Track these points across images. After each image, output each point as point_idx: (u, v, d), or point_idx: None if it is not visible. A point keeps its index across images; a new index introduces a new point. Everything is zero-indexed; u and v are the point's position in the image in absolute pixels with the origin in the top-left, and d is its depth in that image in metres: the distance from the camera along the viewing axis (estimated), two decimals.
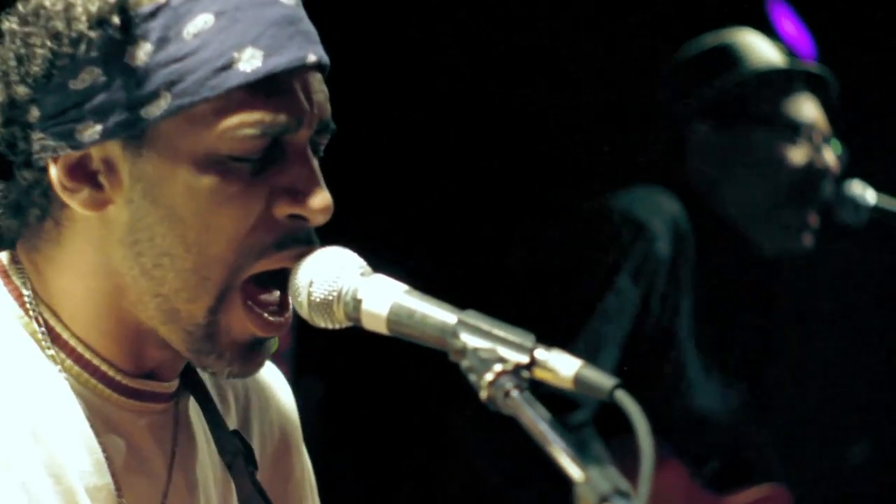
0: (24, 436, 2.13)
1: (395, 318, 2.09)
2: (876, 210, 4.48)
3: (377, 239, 4.92)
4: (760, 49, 4.49)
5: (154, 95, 2.11)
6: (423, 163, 5.21)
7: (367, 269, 2.15)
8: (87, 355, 2.20)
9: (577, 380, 1.96)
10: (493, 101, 5.23)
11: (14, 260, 2.25)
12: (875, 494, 5.79)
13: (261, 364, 2.25)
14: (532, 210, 5.07)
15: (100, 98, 2.12)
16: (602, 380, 1.95)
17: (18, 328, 2.20)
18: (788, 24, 4.79)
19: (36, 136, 2.16)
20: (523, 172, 5.26)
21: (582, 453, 1.84)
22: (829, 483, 5.78)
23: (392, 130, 5.15)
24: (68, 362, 2.20)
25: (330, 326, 2.16)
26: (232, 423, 2.36)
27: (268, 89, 2.13)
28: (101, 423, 2.20)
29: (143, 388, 2.23)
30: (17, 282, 2.23)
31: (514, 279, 4.61)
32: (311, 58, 2.17)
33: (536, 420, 1.90)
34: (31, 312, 2.21)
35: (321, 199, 2.17)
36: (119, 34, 2.11)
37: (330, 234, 2.23)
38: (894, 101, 5.40)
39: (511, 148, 5.25)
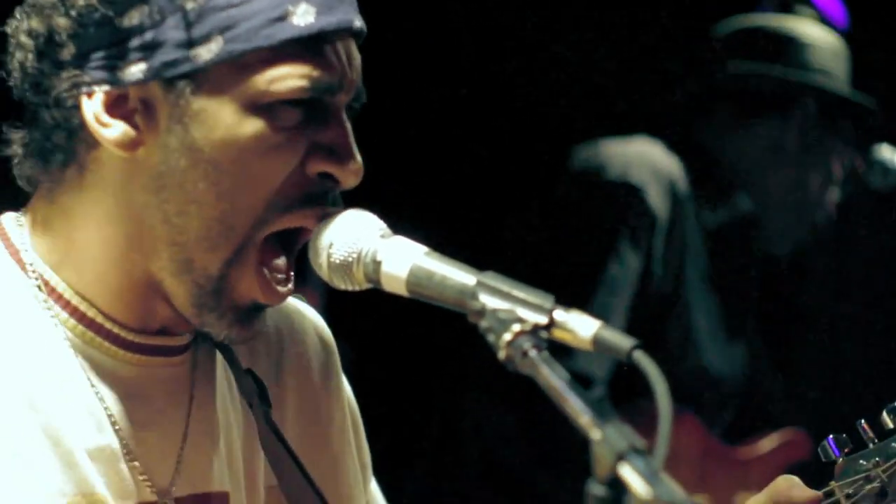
0: (19, 402, 2.13)
1: (415, 279, 2.10)
2: None
3: (383, 206, 4.96)
4: (824, 52, 4.47)
5: (206, 38, 2.11)
6: (421, 133, 5.19)
7: (387, 231, 2.17)
8: (91, 313, 2.20)
9: (596, 340, 1.97)
10: (495, 68, 5.21)
11: (17, 221, 2.24)
12: None
13: (254, 332, 2.24)
14: (535, 180, 5.06)
15: (148, 36, 2.12)
16: (621, 340, 1.96)
17: (17, 290, 2.20)
18: None
19: (67, 73, 2.15)
20: (528, 143, 5.24)
21: (599, 413, 1.84)
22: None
23: (398, 101, 5.14)
24: (71, 321, 2.19)
25: (350, 288, 2.18)
26: (260, 371, 2.35)
27: (317, 47, 2.15)
28: (109, 382, 2.20)
29: (154, 343, 2.23)
30: (17, 243, 2.22)
31: (515, 250, 4.62)
32: (357, 23, 2.20)
33: (554, 379, 1.90)
34: (30, 274, 2.20)
35: (354, 162, 2.19)
36: None
37: (350, 199, 2.24)
38: None
39: (513, 118, 5.24)
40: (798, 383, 5.32)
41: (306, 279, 2.34)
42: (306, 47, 2.15)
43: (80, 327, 2.20)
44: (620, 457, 1.77)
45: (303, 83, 2.14)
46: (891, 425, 2.54)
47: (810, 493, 2.42)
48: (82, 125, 2.16)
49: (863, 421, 2.55)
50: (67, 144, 2.18)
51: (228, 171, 2.13)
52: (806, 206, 4.50)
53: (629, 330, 4.21)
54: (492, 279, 2.05)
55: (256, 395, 2.30)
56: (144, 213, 2.16)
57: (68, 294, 2.20)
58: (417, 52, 5.16)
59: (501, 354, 1.96)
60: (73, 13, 2.13)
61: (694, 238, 4.42)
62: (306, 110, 2.17)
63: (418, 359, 5.13)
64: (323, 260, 2.16)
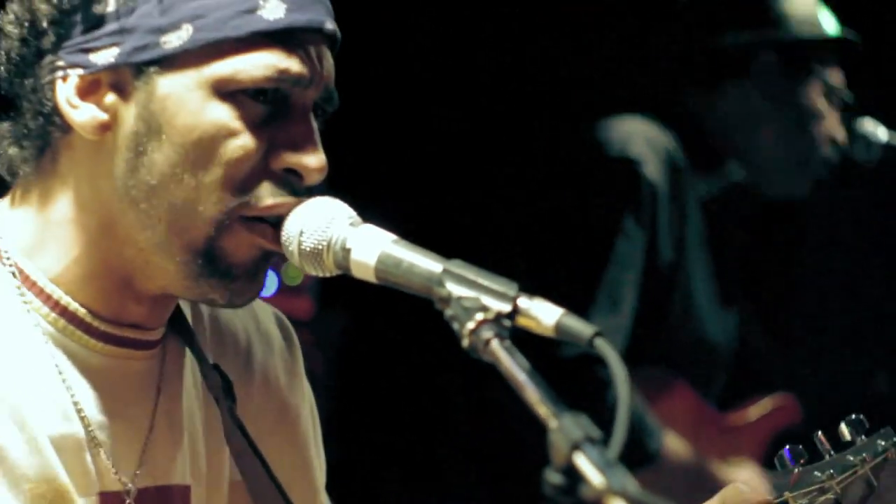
0: None
1: (383, 266, 2.14)
2: (888, 147, 4.49)
3: (378, 188, 4.99)
4: (805, 9, 4.48)
5: (176, 26, 2.16)
6: (420, 110, 5.23)
7: (357, 219, 2.20)
8: (64, 301, 2.23)
9: (559, 327, 2.01)
10: (488, 39, 5.24)
11: None
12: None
13: (257, 291, 2.28)
14: (532, 161, 5.09)
15: (121, 22, 2.17)
16: (582, 328, 1.99)
17: None
18: None
19: (46, 60, 2.20)
20: (524, 118, 5.27)
21: (556, 403, 1.87)
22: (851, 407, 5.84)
23: (388, 77, 5.17)
24: (44, 309, 2.23)
25: (321, 274, 2.22)
26: (227, 369, 2.38)
27: (285, 42, 2.19)
28: (79, 371, 2.24)
29: (125, 335, 2.27)
30: None
31: (521, 233, 4.67)
32: (329, 26, 2.24)
33: (514, 369, 1.93)
34: (5, 261, 2.24)
35: (317, 159, 2.22)
36: None
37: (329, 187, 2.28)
38: None
39: (510, 92, 5.28)
40: (788, 350, 5.38)
41: None
42: (275, 41, 2.19)
43: (53, 315, 2.23)
44: (576, 446, 1.80)
45: (268, 73, 2.18)
46: (847, 438, 2.57)
47: (761, 498, 2.42)
48: (56, 109, 2.20)
49: (820, 433, 2.57)
50: (43, 130, 2.22)
51: (190, 155, 2.17)
52: (798, 164, 4.50)
53: (642, 304, 4.29)
54: (458, 267, 2.08)
55: (222, 389, 2.34)
56: (114, 198, 2.20)
57: (42, 282, 2.23)
58: (402, 38, 5.20)
59: (465, 342, 1.99)
60: (53, 1, 2.19)
61: (692, 208, 4.45)
62: (272, 106, 2.20)
63: (426, 315, 5.19)
64: (294, 247, 2.20)
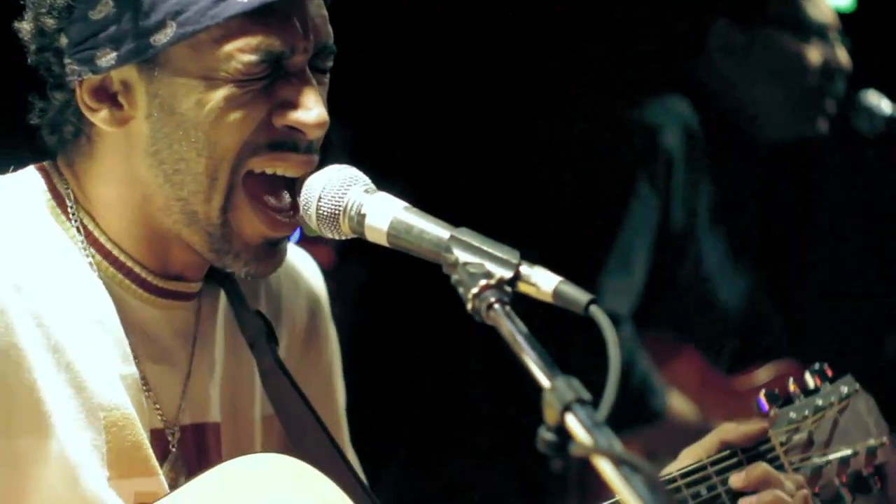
0: (70, 323, 2.37)
1: (395, 232, 2.28)
2: (892, 120, 4.57)
3: (398, 155, 5.08)
4: None
5: (161, 25, 2.33)
6: (442, 79, 5.30)
7: (372, 186, 2.35)
8: (122, 258, 2.45)
9: (556, 294, 2.13)
10: (495, 14, 5.33)
11: (58, 171, 2.48)
12: None
13: (277, 264, 2.48)
14: (553, 122, 5.17)
15: (114, 28, 2.35)
16: (578, 295, 2.11)
17: (62, 234, 2.44)
18: None
19: (66, 60, 2.39)
20: (540, 86, 5.34)
21: (551, 365, 2.00)
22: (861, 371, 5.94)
23: (395, 54, 5.24)
24: (104, 264, 2.45)
25: (336, 237, 2.37)
26: (262, 308, 2.61)
27: (264, 18, 2.34)
28: (132, 319, 2.45)
29: (170, 287, 2.49)
30: (62, 191, 2.47)
31: (540, 196, 4.78)
32: None
33: (514, 332, 2.05)
34: (72, 220, 2.45)
35: (315, 114, 2.39)
36: None
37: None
38: None
39: (527, 59, 5.34)
40: (796, 315, 5.47)
41: None
42: (254, 20, 2.34)
43: (112, 269, 2.45)
44: (567, 407, 1.92)
45: (252, 57, 2.35)
46: (811, 385, 2.76)
47: (754, 426, 2.64)
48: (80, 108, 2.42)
49: (791, 380, 2.75)
50: (74, 120, 2.44)
51: (202, 128, 2.36)
52: (797, 101, 4.60)
53: (653, 267, 4.40)
54: (465, 234, 2.21)
55: (265, 333, 2.55)
56: (148, 176, 2.41)
57: (103, 239, 2.45)
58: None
59: (469, 306, 2.12)
60: (55, 12, 2.39)
61: (705, 175, 4.56)
62: (268, 74, 2.36)
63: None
64: (312, 211, 2.35)
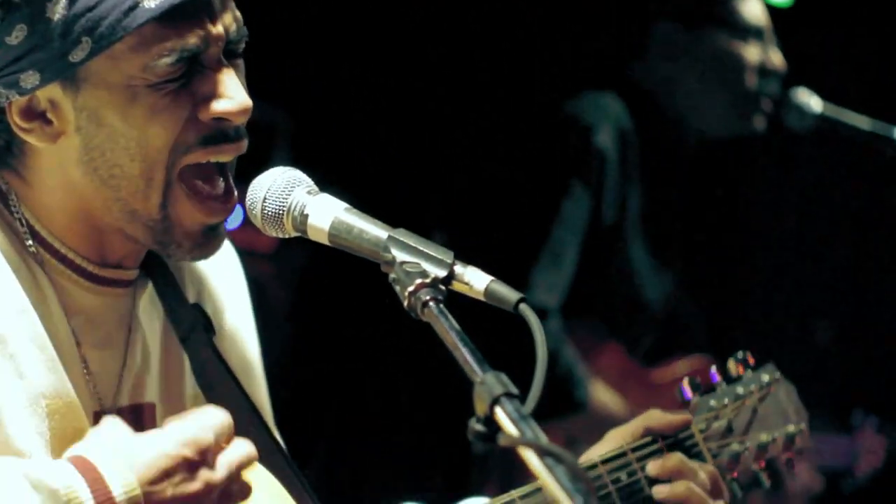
0: (12, 311, 2.45)
1: (336, 231, 2.40)
2: (822, 118, 4.68)
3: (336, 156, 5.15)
4: None
5: (76, 42, 2.41)
6: (371, 78, 5.38)
7: (314, 188, 2.46)
8: (63, 250, 2.54)
9: (488, 292, 2.27)
10: (433, 5, 5.41)
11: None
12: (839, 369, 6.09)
13: (218, 246, 2.59)
14: (487, 119, 5.27)
15: (33, 50, 2.42)
16: (509, 293, 2.25)
17: (5, 227, 2.52)
18: None
19: None
20: (476, 81, 5.44)
21: (481, 361, 2.13)
22: (794, 359, 6.10)
23: (338, 45, 5.30)
24: (47, 256, 2.54)
25: (280, 236, 2.48)
26: (189, 296, 2.72)
27: (174, 19, 2.43)
28: (76, 307, 2.55)
29: (110, 275, 2.59)
30: (2, 189, 2.54)
31: (474, 192, 4.89)
32: None
33: (447, 329, 2.19)
34: (15, 214, 2.53)
35: (237, 101, 2.49)
36: None
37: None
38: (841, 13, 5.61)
39: (462, 56, 5.43)
40: (712, 311, 5.61)
41: None
42: (164, 23, 2.43)
43: (54, 260, 2.54)
44: (496, 400, 2.05)
45: (168, 59, 2.43)
46: (734, 373, 2.89)
47: (678, 416, 2.77)
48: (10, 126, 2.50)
49: (714, 367, 2.89)
50: (7, 134, 2.51)
51: (131, 136, 2.45)
52: (729, 100, 4.71)
53: (582, 263, 4.53)
54: (402, 235, 2.34)
55: (201, 325, 2.65)
56: (84, 182, 2.49)
57: (44, 233, 2.53)
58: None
59: (405, 303, 2.25)
60: None
61: (635, 173, 4.68)
62: (187, 68, 2.46)
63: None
64: (258, 210, 2.46)
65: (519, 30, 5.45)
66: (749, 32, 4.66)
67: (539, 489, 2.58)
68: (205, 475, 2.29)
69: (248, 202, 2.48)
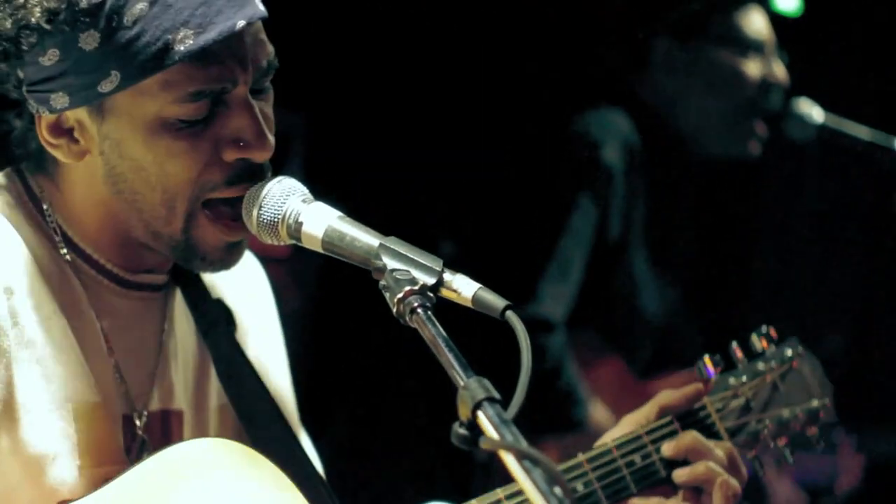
0: (42, 318, 2.53)
1: (329, 239, 2.45)
2: (822, 129, 4.69)
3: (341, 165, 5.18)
4: None
5: (106, 74, 2.47)
6: (385, 92, 5.41)
7: (309, 196, 2.51)
8: (96, 256, 2.61)
9: (475, 299, 2.32)
10: (442, 22, 5.43)
11: (27, 176, 2.63)
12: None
13: (239, 258, 2.64)
14: (495, 134, 5.30)
15: (64, 75, 2.49)
16: (496, 301, 2.30)
17: (40, 234, 2.60)
18: None
19: (25, 92, 2.53)
20: (485, 97, 5.47)
21: (465, 367, 2.19)
22: None
23: (348, 49, 5.34)
24: (79, 262, 2.61)
25: (275, 243, 2.53)
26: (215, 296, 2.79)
27: (202, 60, 2.48)
28: (107, 311, 2.62)
29: (141, 280, 2.66)
30: (37, 194, 2.62)
31: (482, 204, 4.94)
32: (240, 23, 2.50)
33: (434, 335, 2.24)
34: (49, 221, 2.60)
35: (261, 143, 2.54)
36: (68, 27, 2.46)
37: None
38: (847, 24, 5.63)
39: (471, 73, 5.45)
40: (715, 324, 5.63)
41: None
42: (193, 63, 2.48)
43: (86, 266, 2.61)
44: (478, 405, 2.11)
45: (194, 99, 2.48)
46: (758, 348, 2.88)
47: (691, 387, 2.78)
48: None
49: (734, 343, 2.87)
50: (39, 152, 2.59)
51: (152, 171, 2.51)
52: (728, 118, 4.72)
53: (587, 276, 4.57)
54: (393, 243, 2.39)
55: (223, 319, 2.73)
56: (111, 199, 2.56)
57: (77, 239, 2.61)
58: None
59: (394, 310, 2.30)
60: (4, 56, 2.51)
61: (641, 187, 4.71)
62: (209, 111, 2.50)
63: None
64: (254, 218, 2.51)
65: (528, 45, 5.48)
66: (749, 47, 4.69)
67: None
68: None
69: (244, 211, 2.53)
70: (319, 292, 5.72)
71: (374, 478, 5.44)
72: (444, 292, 2.33)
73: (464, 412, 2.14)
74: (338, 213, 2.48)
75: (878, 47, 5.77)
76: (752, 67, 4.70)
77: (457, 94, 5.46)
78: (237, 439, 2.64)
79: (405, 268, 2.35)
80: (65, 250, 2.60)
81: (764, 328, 2.90)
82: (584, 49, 5.06)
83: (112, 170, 2.54)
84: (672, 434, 2.76)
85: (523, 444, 2.07)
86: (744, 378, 2.85)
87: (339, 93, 5.35)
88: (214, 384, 2.76)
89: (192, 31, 2.46)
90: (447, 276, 2.33)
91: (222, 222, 2.56)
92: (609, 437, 2.77)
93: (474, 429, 2.12)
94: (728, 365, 2.85)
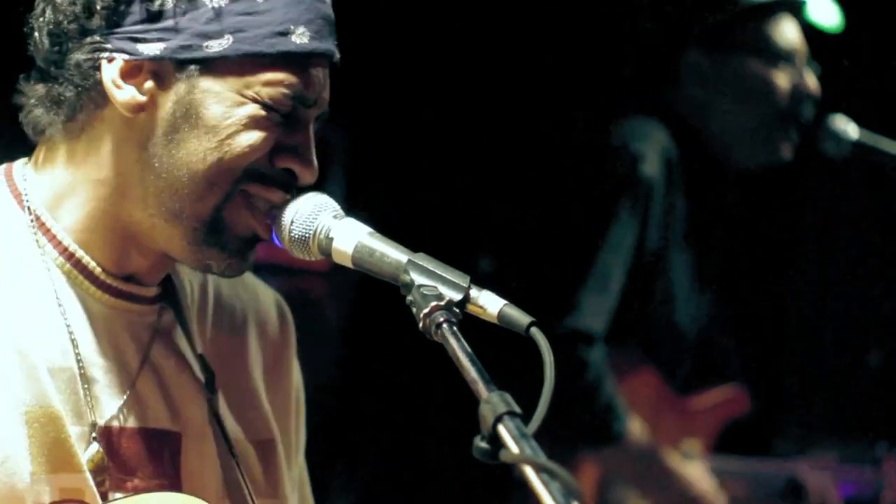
0: (2, 320, 2.49)
1: (359, 255, 2.50)
2: (858, 145, 4.71)
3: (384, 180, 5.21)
4: None
5: (219, 34, 2.51)
6: (426, 107, 5.46)
7: (340, 212, 2.56)
8: (73, 249, 2.57)
9: (501, 316, 2.36)
10: (482, 38, 5.48)
11: (23, 164, 2.62)
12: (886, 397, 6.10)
13: (248, 266, 2.63)
14: (536, 145, 5.35)
15: (171, 22, 2.51)
16: (521, 317, 2.35)
17: (11, 224, 2.58)
18: None
19: (90, 39, 2.53)
20: (525, 111, 5.52)
21: (488, 381, 2.23)
22: (844, 388, 6.13)
23: (382, 71, 5.38)
24: (55, 254, 2.58)
25: (306, 258, 2.58)
26: (224, 344, 2.74)
27: (304, 64, 2.55)
28: (80, 314, 2.57)
29: (124, 288, 2.61)
30: (19, 184, 2.60)
31: (521, 217, 4.98)
32: (337, 55, 2.61)
33: (459, 350, 2.29)
34: (26, 211, 2.58)
35: (311, 167, 2.59)
36: None
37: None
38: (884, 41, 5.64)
39: (505, 86, 5.50)
40: (753, 339, 5.65)
41: None
42: (296, 62, 2.54)
43: (62, 260, 2.58)
44: (499, 419, 2.15)
45: (287, 91, 2.53)
46: None
47: None
48: (97, 85, 2.54)
49: None
50: (77, 100, 2.56)
51: (220, 138, 2.51)
52: (761, 128, 4.75)
53: (626, 288, 4.61)
54: (421, 259, 2.44)
55: (204, 381, 2.67)
56: (135, 167, 2.54)
57: (56, 229, 2.58)
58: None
59: (420, 325, 2.35)
60: None
61: (681, 200, 4.75)
62: (283, 115, 2.55)
63: None
64: (285, 234, 2.56)
65: (563, 60, 5.52)
66: (780, 57, 4.71)
67: None
68: None
69: (276, 226, 2.57)
70: (359, 307, 5.75)
71: (411, 491, 5.47)
72: (471, 308, 2.37)
73: (485, 426, 2.18)
74: (368, 229, 2.53)
75: None
76: (783, 78, 4.72)
77: (497, 107, 5.51)
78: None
79: (432, 283, 2.39)
80: (45, 248, 2.56)
81: None
82: (618, 61, 5.09)
83: (169, 131, 2.52)
84: None
85: (542, 457, 2.11)
86: None
87: (381, 107, 5.40)
88: (205, 411, 2.69)
89: (309, 33, 2.54)
90: (473, 292, 2.38)
91: (257, 211, 2.57)
92: None
93: (495, 442, 2.17)
94: None
